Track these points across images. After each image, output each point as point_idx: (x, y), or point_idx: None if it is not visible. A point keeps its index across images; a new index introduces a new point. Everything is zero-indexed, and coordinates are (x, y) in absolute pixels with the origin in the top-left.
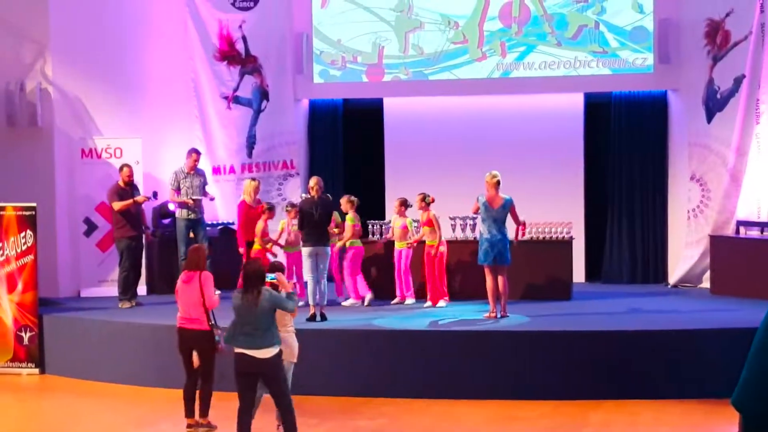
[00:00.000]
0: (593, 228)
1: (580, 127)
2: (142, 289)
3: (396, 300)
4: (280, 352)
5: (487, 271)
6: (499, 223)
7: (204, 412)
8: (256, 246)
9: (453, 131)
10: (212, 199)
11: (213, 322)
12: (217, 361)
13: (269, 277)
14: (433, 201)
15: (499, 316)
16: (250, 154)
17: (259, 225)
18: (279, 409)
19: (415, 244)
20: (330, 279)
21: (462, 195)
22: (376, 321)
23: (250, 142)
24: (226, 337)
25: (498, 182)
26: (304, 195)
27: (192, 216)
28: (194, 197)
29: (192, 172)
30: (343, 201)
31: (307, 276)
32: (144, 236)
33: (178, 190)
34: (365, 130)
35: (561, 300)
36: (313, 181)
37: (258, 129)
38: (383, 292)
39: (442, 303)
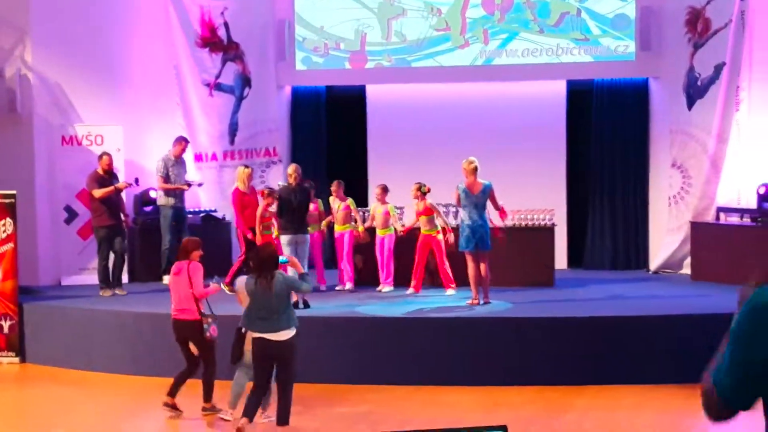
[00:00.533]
0: (575, 215)
1: (562, 115)
2: (124, 277)
3: (381, 287)
4: (297, 333)
5: (468, 258)
6: (479, 209)
7: (208, 397)
8: (266, 233)
9: (436, 119)
10: (201, 184)
11: (203, 312)
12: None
13: (281, 259)
14: (429, 191)
15: (481, 302)
16: (232, 141)
17: (260, 211)
18: (282, 393)
19: (405, 233)
20: (311, 266)
21: (445, 182)
22: (359, 308)
23: (233, 129)
24: (244, 322)
25: (476, 168)
26: (281, 183)
27: (178, 204)
28: (190, 181)
29: (178, 160)
30: (378, 191)
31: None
32: (124, 224)
33: (166, 177)
34: (348, 117)
35: (544, 287)
36: (291, 168)
37: (240, 116)
38: (363, 279)
39: (450, 291)
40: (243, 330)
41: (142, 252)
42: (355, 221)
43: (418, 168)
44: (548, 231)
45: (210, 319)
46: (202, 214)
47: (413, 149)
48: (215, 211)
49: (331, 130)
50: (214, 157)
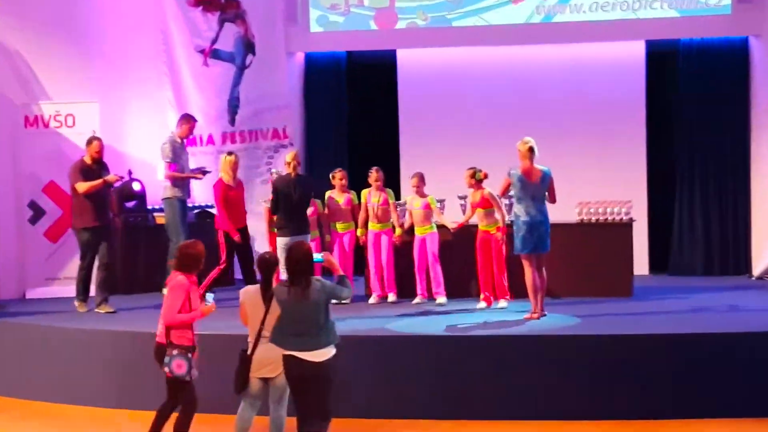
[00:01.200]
0: (658, 207)
1: (641, 84)
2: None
3: (418, 299)
4: (337, 353)
5: (526, 263)
6: (538, 202)
7: None
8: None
9: (482, 90)
10: (209, 172)
11: (170, 340)
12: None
13: (316, 258)
14: (486, 177)
15: (540, 314)
16: (232, 121)
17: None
18: (313, 421)
19: (457, 229)
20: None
21: (493, 167)
22: (390, 325)
23: (233, 106)
24: (274, 338)
25: (532, 150)
26: (276, 171)
27: (185, 196)
28: (205, 168)
29: (182, 144)
30: (415, 180)
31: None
32: (112, 225)
33: (176, 164)
34: (375, 90)
35: (619, 297)
36: (289, 155)
37: (242, 90)
38: (400, 289)
39: (503, 303)
40: (249, 352)
41: (125, 258)
42: (435, 220)
43: (460, 151)
44: (624, 228)
45: (175, 351)
46: (196, 210)
47: (454, 128)
48: (211, 206)
49: (354, 106)
50: (210, 140)
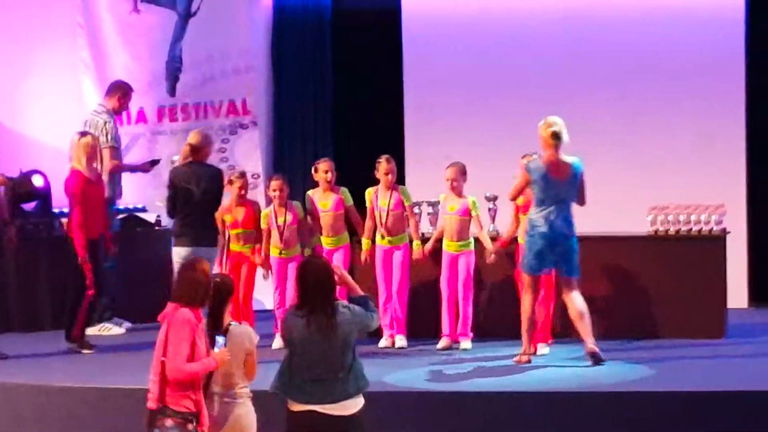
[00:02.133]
0: (762, 215)
1: (738, 40)
2: None
3: (444, 342)
4: (365, 405)
5: (529, 286)
6: (563, 207)
7: None
8: (236, 246)
9: (516, 51)
10: (158, 161)
11: (164, 405)
12: None
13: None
14: None
15: (531, 356)
16: (172, 90)
17: (223, 209)
18: None
19: (503, 247)
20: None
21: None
22: (388, 377)
23: (173, 69)
24: (280, 386)
25: (556, 135)
26: (177, 159)
27: (117, 195)
28: (155, 158)
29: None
30: (453, 173)
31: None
32: (5, 237)
33: (117, 149)
34: (370, 51)
35: (707, 339)
36: (193, 135)
37: (186, 47)
38: (416, 327)
39: (544, 349)
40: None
41: (22, 282)
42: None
43: (484, 131)
44: (715, 243)
45: (169, 422)
46: (121, 215)
47: (479, 104)
48: (144, 209)
49: (342, 73)
50: (141, 116)
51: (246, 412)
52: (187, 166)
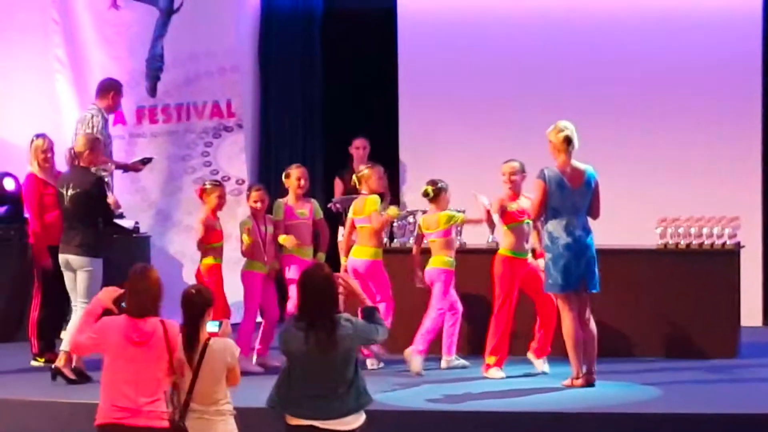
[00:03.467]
0: None
1: (755, 49)
2: None
3: (451, 359)
4: (366, 421)
5: (565, 307)
6: (581, 216)
7: None
8: (208, 260)
9: (516, 53)
10: (150, 160)
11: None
12: None
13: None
14: None
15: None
16: (152, 91)
17: (201, 221)
18: None
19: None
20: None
21: (536, 161)
22: (381, 396)
23: (154, 69)
24: (277, 400)
25: (569, 140)
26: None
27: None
28: (146, 157)
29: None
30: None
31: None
32: None
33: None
34: (364, 49)
35: (719, 358)
36: (80, 141)
37: (168, 45)
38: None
39: (544, 365)
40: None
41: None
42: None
43: (488, 137)
44: (728, 257)
45: None
46: None
47: (480, 105)
48: (121, 215)
49: (334, 73)
50: (119, 118)
51: (229, 430)
52: (71, 170)
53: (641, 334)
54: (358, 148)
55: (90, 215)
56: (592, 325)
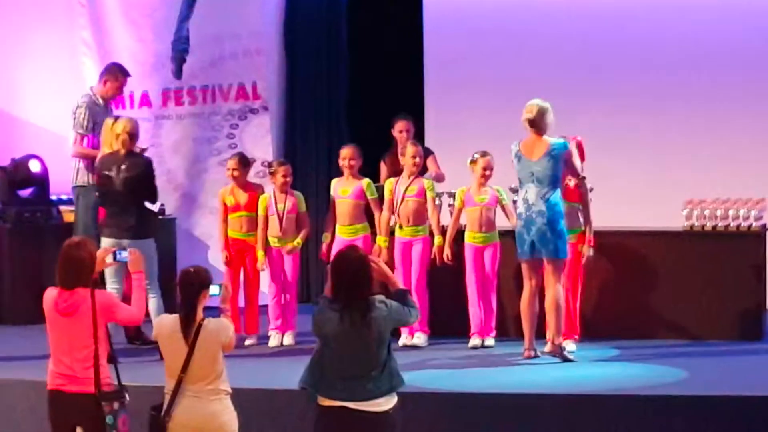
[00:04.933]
0: None
1: None
2: None
3: (476, 341)
4: (399, 403)
5: (524, 274)
6: (543, 187)
7: None
8: (237, 233)
9: (545, 31)
10: (145, 149)
11: (108, 385)
12: None
13: (213, 291)
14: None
15: (539, 352)
16: (178, 73)
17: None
18: None
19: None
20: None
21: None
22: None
23: (179, 51)
24: (310, 382)
25: (533, 121)
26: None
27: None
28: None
29: (107, 107)
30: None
31: (110, 286)
32: None
33: (90, 135)
34: (390, 31)
35: (745, 341)
36: (121, 124)
37: (194, 26)
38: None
39: (571, 345)
40: (163, 415)
41: (15, 273)
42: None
43: (512, 122)
44: (755, 240)
45: (117, 404)
46: None
47: (508, 89)
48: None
49: (359, 54)
50: (144, 100)
51: (222, 409)
52: (112, 154)
53: (667, 317)
54: (401, 131)
55: (143, 197)
56: (554, 295)
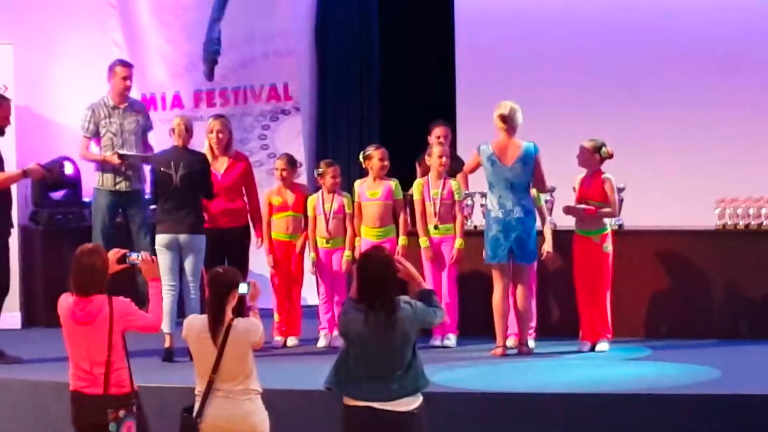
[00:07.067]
0: None
1: None
2: (13, 319)
3: (514, 341)
4: (425, 402)
5: (494, 275)
6: (517, 192)
7: None
8: (283, 235)
9: (577, 29)
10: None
11: (129, 388)
12: None
13: (242, 290)
14: (612, 156)
15: (506, 350)
16: (210, 74)
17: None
18: None
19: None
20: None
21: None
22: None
23: (211, 52)
24: (335, 382)
25: (503, 117)
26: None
27: (122, 187)
28: (124, 152)
29: (122, 106)
30: None
31: (165, 282)
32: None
33: (95, 137)
34: (421, 32)
35: None
36: (176, 120)
37: (225, 28)
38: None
39: (604, 344)
40: (195, 413)
41: (49, 275)
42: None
43: (547, 121)
44: None
45: (122, 412)
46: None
47: (538, 87)
48: None
49: (391, 55)
50: (177, 101)
51: (253, 410)
52: (171, 150)
53: (700, 315)
54: (439, 137)
55: (199, 194)
56: (525, 296)
